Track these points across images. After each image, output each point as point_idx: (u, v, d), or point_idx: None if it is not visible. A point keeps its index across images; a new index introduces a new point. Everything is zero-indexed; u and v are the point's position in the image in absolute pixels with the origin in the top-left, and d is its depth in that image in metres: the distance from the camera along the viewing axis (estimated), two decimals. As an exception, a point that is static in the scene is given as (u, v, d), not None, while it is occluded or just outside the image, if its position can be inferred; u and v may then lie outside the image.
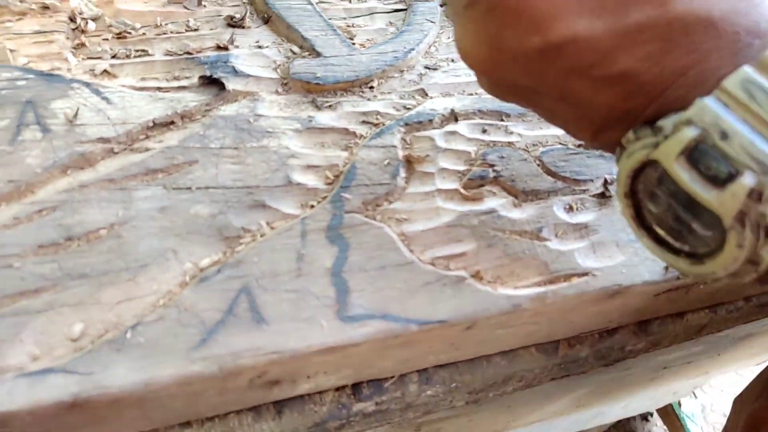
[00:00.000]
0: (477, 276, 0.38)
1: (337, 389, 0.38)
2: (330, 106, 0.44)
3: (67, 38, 0.44)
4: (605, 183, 0.44)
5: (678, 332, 0.49)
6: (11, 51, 0.42)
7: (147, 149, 0.38)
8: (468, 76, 0.50)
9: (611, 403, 0.93)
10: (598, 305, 0.40)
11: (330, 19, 0.50)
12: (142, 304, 0.32)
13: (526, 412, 0.70)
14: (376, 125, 0.44)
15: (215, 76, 0.43)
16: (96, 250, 0.34)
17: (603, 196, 0.44)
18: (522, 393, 0.46)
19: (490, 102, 0.48)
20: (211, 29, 0.47)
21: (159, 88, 0.42)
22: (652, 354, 0.49)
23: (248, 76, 0.44)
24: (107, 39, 0.45)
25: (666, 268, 0.41)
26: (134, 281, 0.33)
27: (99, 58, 0.43)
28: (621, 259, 0.41)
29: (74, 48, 0.44)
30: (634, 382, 0.76)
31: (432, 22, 0.52)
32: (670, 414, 1.40)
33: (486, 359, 0.42)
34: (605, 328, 0.45)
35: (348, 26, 0.51)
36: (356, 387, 0.38)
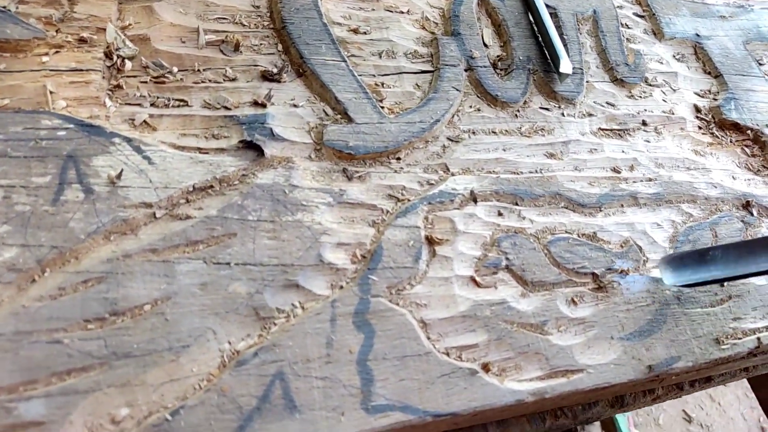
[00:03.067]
0: (486, 368, 0.41)
1: None
2: (360, 176, 0.46)
3: (104, 77, 0.44)
4: (594, 277, 0.48)
5: (647, 402, 0.54)
6: (51, 93, 0.41)
7: (188, 216, 0.39)
8: (487, 152, 0.52)
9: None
10: (585, 395, 0.44)
11: (360, 75, 0.51)
12: (184, 386, 0.34)
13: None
14: (401, 201, 0.46)
15: (253, 140, 0.44)
16: (141, 327, 0.35)
17: (600, 290, 0.48)
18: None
19: (506, 184, 0.50)
20: (248, 81, 0.47)
21: (199, 149, 0.42)
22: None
23: (284, 140, 0.45)
24: (145, 82, 0.45)
25: (649, 367, 0.45)
26: (177, 362, 0.34)
27: (138, 104, 0.43)
28: (612, 356, 0.45)
29: (111, 90, 0.43)
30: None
31: (457, 90, 0.54)
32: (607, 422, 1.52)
33: (483, 427, 0.45)
34: (587, 402, 0.49)
35: (377, 85, 0.52)
36: None
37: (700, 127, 0.65)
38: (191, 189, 0.41)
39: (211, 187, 0.41)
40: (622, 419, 1.50)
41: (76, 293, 0.35)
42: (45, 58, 0.43)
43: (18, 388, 0.31)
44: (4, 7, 0.43)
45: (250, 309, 0.38)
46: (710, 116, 0.66)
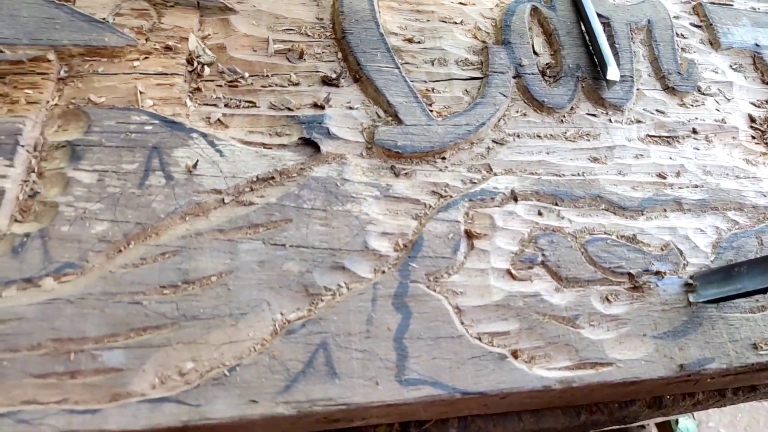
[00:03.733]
0: (516, 354, 0.44)
1: (389, 425, 0.45)
2: (406, 173, 0.50)
3: (185, 81, 0.50)
4: (631, 277, 0.50)
5: (687, 407, 0.55)
6: (141, 93, 0.47)
7: (251, 203, 0.44)
8: (530, 154, 0.55)
9: None
10: (615, 389, 0.46)
11: (412, 81, 0.55)
12: (241, 348, 0.39)
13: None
14: (443, 197, 0.49)
15: (311, 138, 0.49)
16: (207, 295, 0.40)
17: (635, 290, 0.49)
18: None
19: (547, 185, 0.53)
20: (309, 85, 0.52)
21: (264, 144, 0.48)
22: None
23: (339, 138, 0.50)
24: (221, 86, 0.50)
25: (681, 366, 0.46)
26: (236, 327, 0.39)
27: (214, 105, 0.49)
28: (643, 353, 0.46)
29: (191, 92, 0.50)
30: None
31: (504, 96, 0.57)
32: (666, 428, 1.47)
33: (517, 415, 0.48)
34: (622, 400, 0.51)
35: (428, 90, 0.56)
36: (404, 426, 0.45)
37: (753, 137, 0.65)
38: (255, 179, 0.46)
39: (273, 178, 0.46)
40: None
41: (155, 263, 0.40)
42: (136, 63, 0.49)
43: (103, 339, 0.37)
44: (104, 18, 0.50)
45: (301, 286, 0.42)
46: (765, 126, 0.66)
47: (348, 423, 0.42)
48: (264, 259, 0.42)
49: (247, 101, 0.50)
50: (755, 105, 0.68)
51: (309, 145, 0.49)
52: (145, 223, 0.41)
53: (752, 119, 0.66)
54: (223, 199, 0.44)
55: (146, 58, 0.50)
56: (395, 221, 0.47)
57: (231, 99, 0.50)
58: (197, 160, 0.45)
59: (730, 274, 0.47)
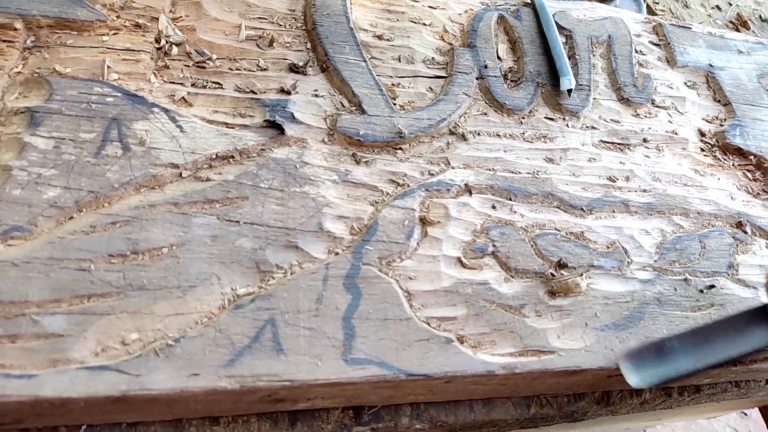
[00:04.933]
0: (461, 339, 0.42)
1: (343, 411, 0.43)
2: (366, 161, 0.49)
3: (152, 59, 0.48)
4: (557, 266, 0.49)
5: (635, 405, 0.54)
6: (108, 67, 0.45)
7: (208, 179, 0.43)
8: (488, 151, 0.54)
9: None
10: (557, 378, 0.45)
11: (378, 76, 0.54)
12: (187, 320, 0.37)
13: None
14: (401, 186, 0.48)
15: (275, 120, 0.47)
16: (156, 266, 0.38)
17: (578, 285, 0.48)
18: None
19: (502, 181, 0.52)
20: (277, 71, 0.51)
21: (226, 124, 0.46)
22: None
23: (301, 123, 0.48)
24: (188, 66, 0.49)
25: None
26: (183, 299, 0.37)
27: (180, 84, 0.47)
28: (585, 343, 0.45)
29: (157, 70, 0.48)
30: (589, 424, 0.82)
31: (467, 95, 0.56)
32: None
33: (468, 405, 0.46)
34: (572, 393, 0.50)
35: (393, 85, 0.55)
36: (358, 412, 0.43)
37: (702, 149, 0.65)
38: (214, 156, 0.44)
39: (232, 156, 0.45)
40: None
41: (105, 232, 0.38)
42: (105, 38, 0.47)
43: (45, 304, 0.35)
44: (76, -7, 0.48)
45: (252, 262, 0.40)
46: (714, 140, 0.66)
47: (293, 404, 0.40)
48: (217, 234, 0.41)
49: (213, 82, 0.49)
50: (706, 120, 0.68)
51: (272, 128, 0.47)
52: (98, 192, 0.39)
53: (702, 133, 0.66)
54: (180, 173, 0.42)
55: (115, 34, 0.48)
56: (352, 206, 0.46)
57: (197, 79, 0.48)
58: (154, 133, 0.43)
59: (662, 351, 0.45)
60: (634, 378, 0.45)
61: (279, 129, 0.47)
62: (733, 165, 0.66)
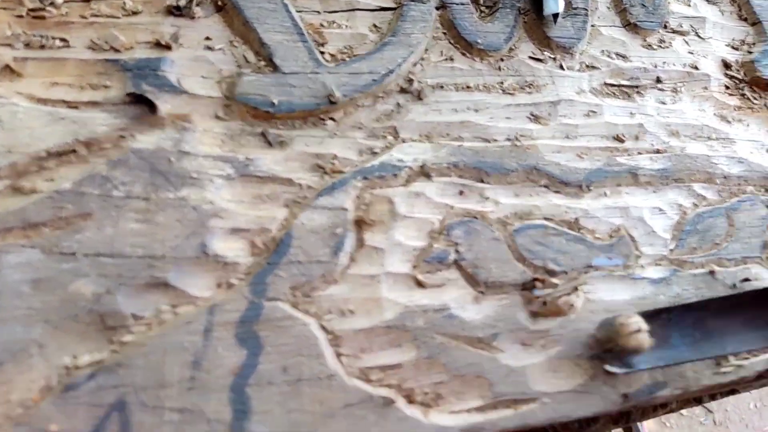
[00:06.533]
0: (408, 396, 0.29)
1: None
2: (281, 142, 0.33)
3: (-38, 7, 0.31)
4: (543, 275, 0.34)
5: (658, 413, 0.41)
6: None
7: (33, 191, 0.27)
8: (453, 113, 0.37)
9: None
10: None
11: (299, 12, 0.37)
12: (-17, 422, 0.23)
13: None
14: (329, 174, 0.33)
15: (142, 91, 0.31)
16: (-66, 340, 0.24)
17: (573, 294, 0.34)
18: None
19: (470, 155, 0.36)
20: (152, 15, 0.34)
21: (64, 101, 0.30)
22: None
23: (183, 92, 0.32)
24: (20, 16, 0.32)
25: (624, 396, 0.32)
26: (-22, 388, 0.24)
27: (9, 45, 0.31)
28: (578, 381, 0.32)
29: (-32, 23, 0.31)
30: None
31: (423, 33, 0.39)
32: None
33: None
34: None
35: (320, 26, 0.37)
36: None
37: (727, 87, 0.48)
38: (45, 155, 0.28)
39: (72, 152, 0.29)
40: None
41: None
42: None
43: None
44: None
45: (95, 315, 0.26)
46: (742, 73, 0.49)
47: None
48: (41, 276, 0.26)
49: (56, 38, 0.32)
50: (732, 47, 0.50)
51: (137, 103, 0.31)
52: None
53: (727, 65, 0.49)
54: (-13, 186, 0.27)
55: None
56: (254, 212, 0.30)
57: (33, 36, 0.31)
58: (-57, 129, 0.27)
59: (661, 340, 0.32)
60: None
61: (148, 105, 0.31)
62: (765, 106, 0.49)
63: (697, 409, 1.41)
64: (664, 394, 0.33)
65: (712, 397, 0.43)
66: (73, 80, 0.31)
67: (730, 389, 0.39)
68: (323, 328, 0.29)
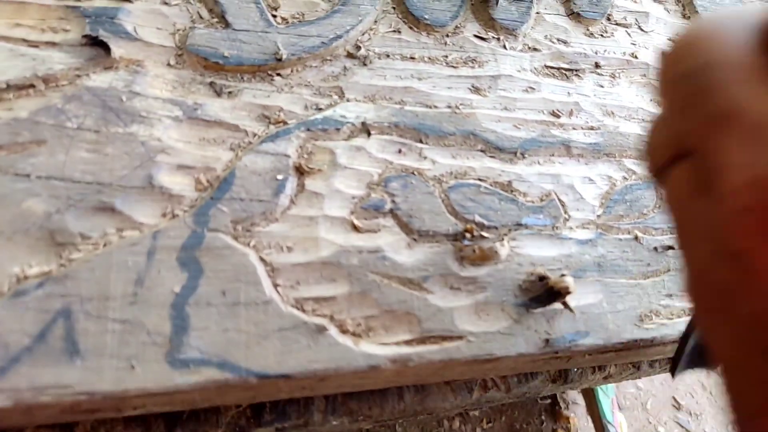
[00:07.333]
0: (341, 326, 0.34)
1: (237, 408, 0.35)
2: (230, 92, 0.38)
3: (-75, -51, 0.36)
4: (497, 231, 0.40)
5: (597, 380, 0.47)
6: None
7: (-12, 117, 0.32)
8: (397, 79, 0.44)
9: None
10: (467, 366, 0.37)
11: (257, -22, 0.43)
12: (-66, 317, 0.27)
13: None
14: (273, 124, 0.38)
15: (98, 35, 0.36)
16: None
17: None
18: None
19: (410, 117, 0.42)
20: (109, -31, 0.39)
21: (25, 40, 0.35)
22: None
23: (137, 40, 0.37)
24: (-23, -43, 0.37)
25: (546, 341, 0.38)
26: (-70, 287, 0.28)
27: (-39, -15, 0.35)
28: (502, 324, 0.37)
29: (-69, -36, 0.36)
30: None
31: (372, 5, 0.45)
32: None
33: (398, 394, 0.39)
34: (522, 372, 0.43)
35: (276, -8, 0.43)
36: (257, 411, 0.35)
37: (666, 77, 0.56)
38: (4, 86, 0.33)
39: (30, 86, 0.34)
40: (606, 401, 1.42)
41: None
42: None
43: None
44: None
45: (45, 231, 0.30)
46: (681, 66, 0.57)
47: (116, 412, 0.31)
48: (-6, 193, 0.30)
49: (15, -17, 0.37)
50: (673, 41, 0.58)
51: (93, 46, 0.36)
52: None
53: (666, 57, 0.57)
54: (-55, 110, 0.31)
55: None
56: (200, 152, 0.36)
57: (-7, -21, 0.36)
58: None
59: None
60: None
61: (104, 48, 0.36)
62: (701, 96, 0.57)
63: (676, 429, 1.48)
64: (586, 342, 0.39)
65: (650, 366, 0.49)
66: (35, 23, 0.36)
67: (651, 345, 0.46)
68: (262, 260, 0.34)
